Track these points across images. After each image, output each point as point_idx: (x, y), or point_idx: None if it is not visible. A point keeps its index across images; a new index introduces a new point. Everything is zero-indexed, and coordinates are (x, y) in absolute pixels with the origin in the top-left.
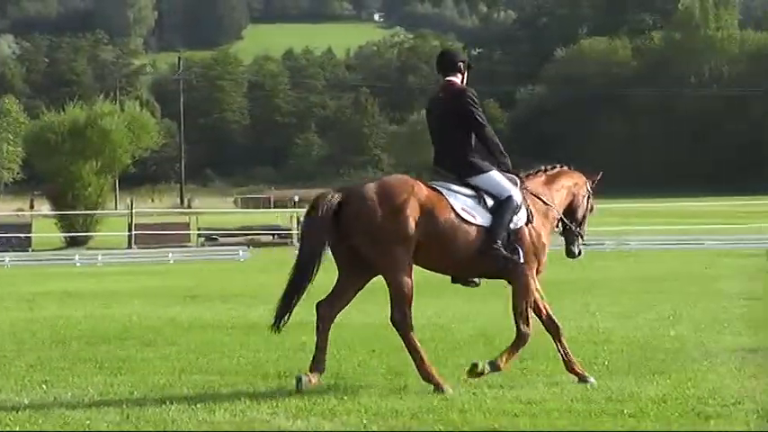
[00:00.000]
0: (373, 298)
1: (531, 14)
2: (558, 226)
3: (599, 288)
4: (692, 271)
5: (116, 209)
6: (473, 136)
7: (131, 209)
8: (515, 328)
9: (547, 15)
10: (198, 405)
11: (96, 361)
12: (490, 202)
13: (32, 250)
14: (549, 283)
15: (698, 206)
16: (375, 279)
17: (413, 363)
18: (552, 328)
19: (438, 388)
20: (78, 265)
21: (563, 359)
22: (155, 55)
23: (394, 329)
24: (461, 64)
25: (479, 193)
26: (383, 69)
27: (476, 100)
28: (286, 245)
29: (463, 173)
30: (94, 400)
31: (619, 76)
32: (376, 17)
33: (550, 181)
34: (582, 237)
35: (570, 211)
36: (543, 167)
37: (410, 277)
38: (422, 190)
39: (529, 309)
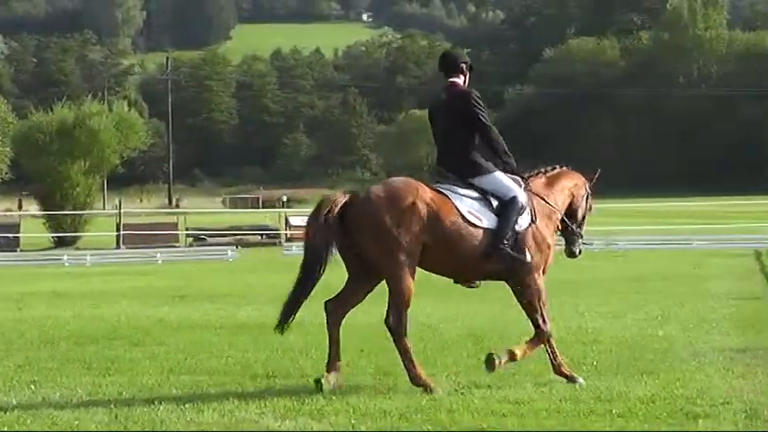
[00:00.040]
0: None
1: (520, 14)
2: (558, 227)
3: (587, 288)
4: (681, 271)
5: (104, 209)
6: (477, 137)
7: (120, 209)
8: (533, 327)
9: (535, 15)
10: (186, 405)
11: (85, 361)
12: (496, 203)
13: (21, 250)
14: None
15: (686, 206)
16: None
17: (402, 365)
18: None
19: (428, 390)
20: (67, 265)
21: (551, 362)
22: (143, 55)
23: (383, 330)
24: (464, 65)
25: (485, 196)
26: (371, 69)
27: (480, 101)
28: (274, 245)
29: (467, 173)
30: (83, 401)
31: (607, 76)
32: (364, 17)
33: (551, 182)
34: (582, 237)
35: (571, 211)
36: (543, 169)
37: (411, 282)
38: (427, 193)
39: (544, 306)
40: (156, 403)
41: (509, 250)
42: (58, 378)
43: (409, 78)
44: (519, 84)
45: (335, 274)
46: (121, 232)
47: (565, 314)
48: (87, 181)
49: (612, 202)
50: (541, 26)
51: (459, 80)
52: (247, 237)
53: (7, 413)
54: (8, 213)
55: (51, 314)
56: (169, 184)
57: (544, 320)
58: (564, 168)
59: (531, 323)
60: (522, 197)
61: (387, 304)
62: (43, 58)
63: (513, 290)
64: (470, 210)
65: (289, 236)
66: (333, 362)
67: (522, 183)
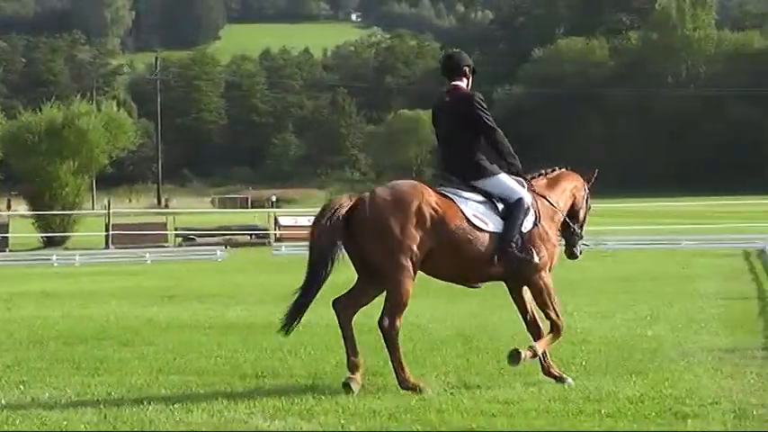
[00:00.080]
0: None
1: (509, 14)
2: (559, 228)
3: (576, 288)
4: (670, 271)
5: (93, 209)
6: (481, 140)
7: (108, 209)
8: (549, 322)
9: (524, 15)
10: (175, 405)
11: (74, 361)
12: (501, 206)
13: (9, 250)
14: None
15: (675, 206)
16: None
17: (392, 367)
18: (535, 330)
19: (417, 391)
20: (56, 265)
21: (541, 363)
22: (132, 55)
23: (372, 329)
24: (467, 68)
25: (489, 199)
26: (360, 69)
27: (484, 104)
28: (264, 245)
29: (471, 176)
30: (72, 401)
31: (596, 76)
32: (353, 17)
33: (552, 183)
34: (582, 237)
35: (573, 212)
36: (543, 170)
37: (410, 287)
38: (432, 197)
39: (555, 302)
40: (146, 403)
41: (516, 252)
42: (47, 378)
43: (398, 78)
44: (508, 84)
45: (340, 276)
46: (110, 232)
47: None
48: (76, 181)
49: (601, 202)
50: (530, 26)
51: (463, 83)
52: (236, 237)
53: None
54: None
55: (40, 314)
56: (158, 184)
57: (557, 315)
58: (563, 170)
59: (546, 319)
60: (528, 198)
61: (383, 306)
62: (32, 58)
63: (510, 290)
64: (475, 213)
65: (278, 236)
66: (351, 362)
67: (525, 184)
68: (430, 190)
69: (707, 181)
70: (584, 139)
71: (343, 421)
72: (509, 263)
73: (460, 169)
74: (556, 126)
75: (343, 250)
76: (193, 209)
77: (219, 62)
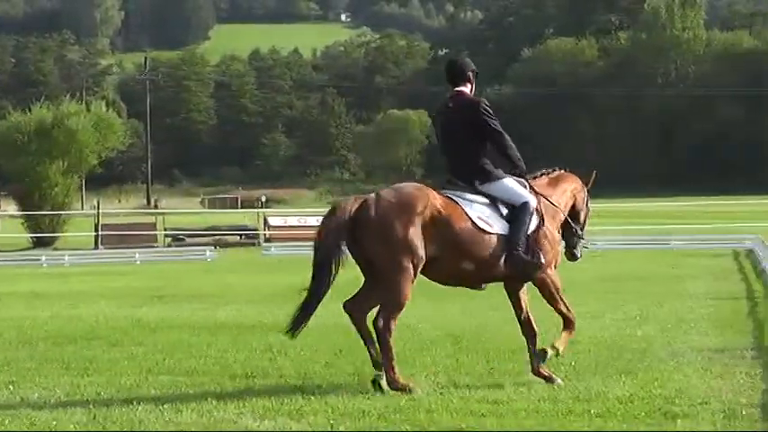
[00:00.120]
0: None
1: (498, 14)
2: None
3: (566, 288)
4: (659, 271)
5: (83, 209)
6: (486, 144)
7: (98, 209)
8: (561, 318)
9: (513, 15)
10: (165, 405)
11: (63, 361)
12: (504, 210)
13: None
14: None
15: (664, 206)
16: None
17: (383, 367)
18: (529, 330)
19: (406, 391)
20: (45, 265)
21: (532, 362)
22: (121, 55)
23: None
24: (471, 73)
25: (494, 202)
26: (350, 69)
27: (489, 110)
28: (253, 245)
29: (477, 180)
30: (61, 401)
31: (585, 75)
32: (343, 17)
33: (553, 184)
34: (582, 239)
35: (573, 214)
36: (545, 170)
37: (409, 289)
38: (437, 200)
39: (563, 297)
40: (135, 403)
41: (523, 255)
42: (37, 378)
43: (388, 78)
44: (497, 84)
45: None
46: (100, 233)
47: (543, 314)
48: (66, 181)
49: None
50: (520, 26)
51: (467, 89)
52: (226, 237)
53: None
54: None
55: (29, 314)
56: (147, 185)
57: (567, 308)
58: (562, 171)
59: (558, 314)
60: (533, 202)
61: (380, 307)
62: (21, 59)
63: (508, 290)
64: (480, 215)
65: (267, 236)
66: (376, 358)
67: (527, 185)
68: (435, 192)
69: (696, 181)
70: (574, 139)
71: (332, 421)
72: (515, 265)
73: (467, 174)
74: (545, 126)
75: (348, 252)
76: (183, 209)
77: (209, 62)
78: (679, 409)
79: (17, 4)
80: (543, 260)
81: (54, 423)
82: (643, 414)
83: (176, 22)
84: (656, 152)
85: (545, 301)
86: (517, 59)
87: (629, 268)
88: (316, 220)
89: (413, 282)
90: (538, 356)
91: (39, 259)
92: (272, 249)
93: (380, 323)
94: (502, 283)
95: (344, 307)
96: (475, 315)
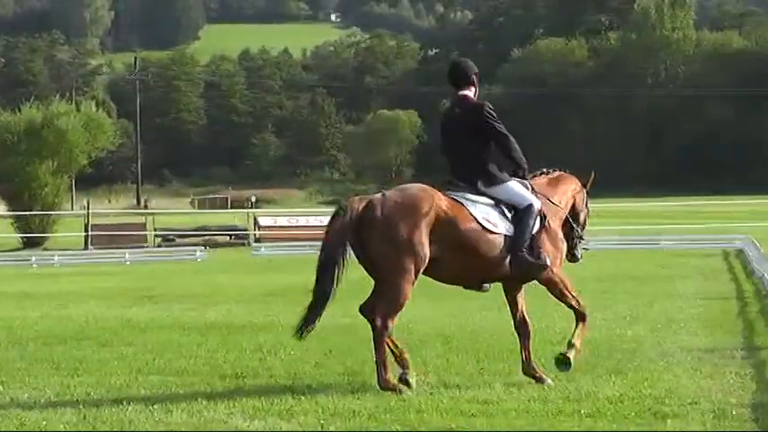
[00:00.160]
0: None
1: (488, 15)
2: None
3: None
4: (649, 271)
5: (72, 209)
6: (491, 147)
7: (88, 209)
8: (573, 312)
9: (503, 16)
10: (155, 405)
11: (53, 361)
12: (508, 212)
13: None
14: None
15: (654, 206)
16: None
17: (375, 366)
18: (523, 329)
19: (396, 391)
20: (35, 265)
21: (523, 361)
22: (111, 55)
23: (352, 331)
24: (474, 77)
25: (497, 203)
26: (340, 69)
27: (493, 113)
28: (243, 245)
29: (482, 184)
30: (51, 401)
31: (575, 76)
32: (333, 17)
33: (554, 184)
34: (583, 239)
35: (573, 214)
36: (545, 170)
37: (410, 290)
38: (442, 201)
39: (573, 292)
40: (125, 403)
41: (527, 257)
42: (27, 378)
43: (378, 78)
44: (487, 84)
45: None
46: (90, 233)
47: (533, 314)
48: (55, 181)
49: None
50: (509, 26)
51: (471, 92)
52: (216, 237)
53: None
54: None
55: (19, 315)
56: (137, 185)
57: (577, 302)
58: (562, 172)
59: (569, 308)
60: (537, 204)
61: (379, 307)
62: (11, 58)
63: (506, 289)
64: (485, 216)
65: (257, 236)
66: (399, 357)
67: (529, 186)
68: (440, 194)
69: (686, 181)
70: (564, 139)
71: (322, 421)
72: (520, 266)
73: (471, 177)
74: (535, 126)
75: (353, 253)
76: (173, 209)
77: (199, 62)
78: (669, 409)
79: (7, 4)
80: (548, 261)
81: (44, 423)
82: (633, 414)
83: (166, 22)
84: (645, 152)
85: (553, 298)
86: (507, 60)
87: (618, 268)
88: (306, 221)
89: (413, 283)
90: (564, 364)
91: (28, 259)
92: (262, 249)
93: (379, 323)
94: (500, 284)
95: (361, 312)
96: (465, 315)
